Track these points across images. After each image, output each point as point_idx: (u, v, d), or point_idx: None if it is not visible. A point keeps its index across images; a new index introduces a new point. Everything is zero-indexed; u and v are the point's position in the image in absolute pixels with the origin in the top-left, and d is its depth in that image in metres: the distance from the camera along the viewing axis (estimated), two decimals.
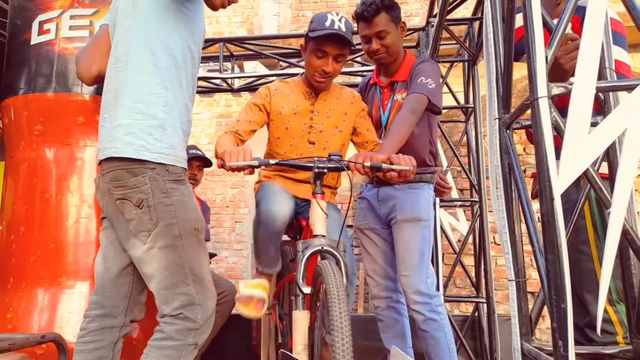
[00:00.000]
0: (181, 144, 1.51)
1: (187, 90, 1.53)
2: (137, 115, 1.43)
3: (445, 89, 3.41)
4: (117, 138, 1.42)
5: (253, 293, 1.78)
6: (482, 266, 3.26)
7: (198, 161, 3.05)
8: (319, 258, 1.50)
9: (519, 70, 1.26)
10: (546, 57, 1.06)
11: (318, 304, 1.40)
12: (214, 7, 1.60)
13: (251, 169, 1.54)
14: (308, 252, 1.48)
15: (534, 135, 1.05)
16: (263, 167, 1.55)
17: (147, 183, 1.40)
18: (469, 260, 3.91)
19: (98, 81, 1.61)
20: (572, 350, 0.94)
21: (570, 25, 1.15)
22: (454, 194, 3.88)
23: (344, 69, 2.79)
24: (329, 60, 1.82)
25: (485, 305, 3.19)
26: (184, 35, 1.50)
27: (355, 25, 2.02)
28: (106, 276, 1.52)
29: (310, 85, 1.94)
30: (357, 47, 2.97)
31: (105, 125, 1.48)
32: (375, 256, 2.16)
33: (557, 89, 1.05)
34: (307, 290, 1.47)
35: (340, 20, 1.78)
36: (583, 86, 1.03)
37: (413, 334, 2.09)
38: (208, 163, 3.11)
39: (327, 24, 1.77)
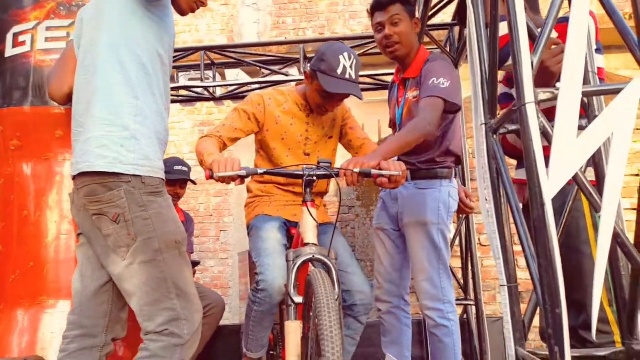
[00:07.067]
0: (157, 153, 1.46)
1: (160, 98, 1.48)
2: (108, 126, 1.38)
3: None
4: (89, 151, 1.37)
5: None
6: (470, 268, 3.27)
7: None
8: (310, 266, 1.48)
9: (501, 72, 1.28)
10: (532, 63, 1.07)
11: (310, 314, 1.38)
12: (182, 12, 1.56)
13: (240, 179, 1.51)
14: (299, 261, 1.46)
15: (522, 141, 1.05)
16: (252, 176, 1.53)
17: (123, 197, 1.35)
18: (455, 262, 3.93)
19: (70, 99, 1.55)
20: (568, 355, 0.93)
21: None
22: None
23: None
24: (333, 103, 1.84)
25: (473, 307, 3.21)
26: (151, 41, 1.46)
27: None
28: (83, 294, 1.47)
29: (306, 99, 1.93)
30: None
31: (78, 139, 1.43)
32: (382, 258, 2.13)
33: (543, 94, 1.05)
34: (298, 299, 1.45)
35: (351, 66, 1.75)
36: (569, 91, 1.03)
37: (416, 339, 2.08)
38: (192, 181, 3.08)
39: (339, 70, 1.73)
